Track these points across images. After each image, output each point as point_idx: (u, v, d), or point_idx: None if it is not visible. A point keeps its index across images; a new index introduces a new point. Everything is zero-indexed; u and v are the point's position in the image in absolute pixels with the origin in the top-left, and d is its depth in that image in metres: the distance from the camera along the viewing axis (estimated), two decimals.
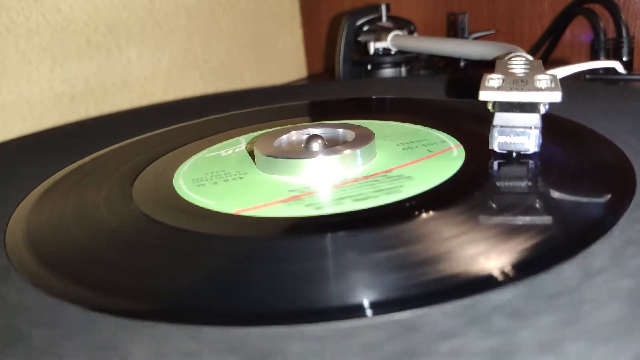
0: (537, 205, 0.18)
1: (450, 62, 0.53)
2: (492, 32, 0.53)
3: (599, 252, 0.15)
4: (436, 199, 0.19)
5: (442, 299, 0.13)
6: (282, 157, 0.23)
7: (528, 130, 0.21)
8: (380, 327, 0.13)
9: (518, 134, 0.21)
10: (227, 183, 0.23)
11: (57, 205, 0.23)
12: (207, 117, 0.36)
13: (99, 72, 0.48)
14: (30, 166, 0.29)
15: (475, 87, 0.22)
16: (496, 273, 0.14)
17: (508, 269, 0.14)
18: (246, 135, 0.30)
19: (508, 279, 0.14)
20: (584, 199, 0.19)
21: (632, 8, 0.47)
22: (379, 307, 0.13)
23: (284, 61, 0.67)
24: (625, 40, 0.43)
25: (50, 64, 0.44)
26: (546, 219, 0.17)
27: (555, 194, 0.19)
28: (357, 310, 0.13)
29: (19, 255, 0.18)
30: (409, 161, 0.23)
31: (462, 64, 0.52)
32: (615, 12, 0.44)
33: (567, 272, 0.14)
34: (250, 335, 0.13)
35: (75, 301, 0.15)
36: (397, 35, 0.49)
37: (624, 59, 0.43)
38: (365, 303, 0.14)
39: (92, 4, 0.47)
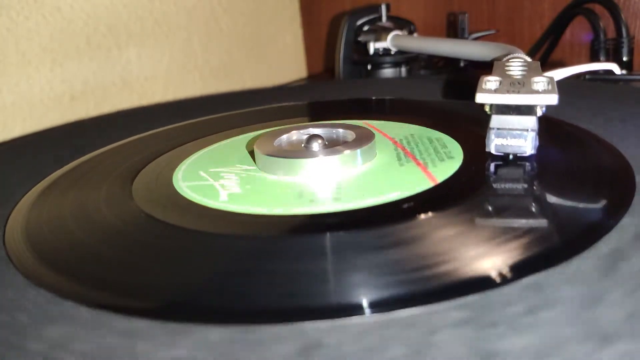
0: (532, 208, 0.18)
1: (450, 62, 0.53)
2: (492, 32, 0.53)
3: (598, 254, 0.15)
4: (434, 200, 0.19)
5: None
6: (282, 157, 0.23)
7: (525, 133, 0.21)
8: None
9: (515, 137, 0.21)
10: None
11: (57, 204, 0.23)
12: (206, 117, 0.36)
13: (99, 72, 0.48)
14: (30, 165, 0.29)
15: (475, 88, 0.22)
16: (494, 274, 0.14)
17: (505, 270, 0.14)
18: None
19: (505, 280, 0.14)
20: (581, 203, 0.19)
21: (632, 8, 0.47)
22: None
23: (284, 61, 0.67)
24: (625, 40, 0.43)
25: (50, 64, 0.44)
26: (542, 222, 0.17)
27: (552, 197, 0.19)
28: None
29: (19, 252, 0.18)
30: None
31: (462, 64, 0.52)
32: (615, 12, 0.44)
33: (565, 273, 0.14)
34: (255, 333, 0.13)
35: (75, 299, 0.15)
36: (397, 35, 0.49)
37: (624, 59, 0.43)
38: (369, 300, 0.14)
39: (92, 4, 0.47)
